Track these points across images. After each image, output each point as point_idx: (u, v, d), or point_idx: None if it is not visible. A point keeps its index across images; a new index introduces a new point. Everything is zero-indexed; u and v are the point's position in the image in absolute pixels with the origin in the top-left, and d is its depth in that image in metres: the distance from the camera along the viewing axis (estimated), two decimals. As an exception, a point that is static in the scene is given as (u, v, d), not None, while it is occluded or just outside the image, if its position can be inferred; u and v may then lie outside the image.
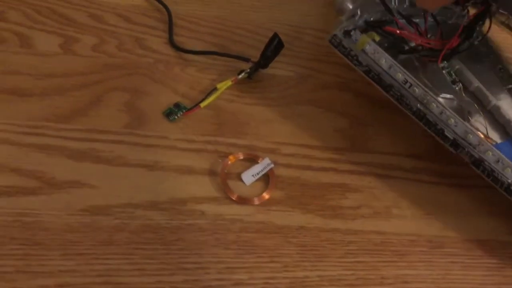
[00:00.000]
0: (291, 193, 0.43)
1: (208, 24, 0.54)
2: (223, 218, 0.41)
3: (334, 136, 0.48)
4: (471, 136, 0.42)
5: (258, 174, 0.44)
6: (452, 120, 0.42)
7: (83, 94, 0.46)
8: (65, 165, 0.41)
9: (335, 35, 0.45)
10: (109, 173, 0.42)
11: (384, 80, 0.44)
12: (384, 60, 0.44)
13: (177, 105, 0.47)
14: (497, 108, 0.48)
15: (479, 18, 0.48)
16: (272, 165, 0.44)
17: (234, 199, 0.42)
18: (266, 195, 0.43)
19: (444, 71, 0.50)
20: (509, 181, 0.41)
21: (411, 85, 0.44)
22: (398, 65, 0.44)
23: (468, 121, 0.46)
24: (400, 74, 0.44)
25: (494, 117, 0.48)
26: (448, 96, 0.47)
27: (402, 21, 0.48)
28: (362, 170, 0.46)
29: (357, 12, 0.47)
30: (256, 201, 0.42)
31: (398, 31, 0.47)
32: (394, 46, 0.48)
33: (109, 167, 0.42)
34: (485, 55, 0.52)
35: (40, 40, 0.49)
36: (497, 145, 0.44)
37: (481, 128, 0.46)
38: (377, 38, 0.47)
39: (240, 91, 0.49)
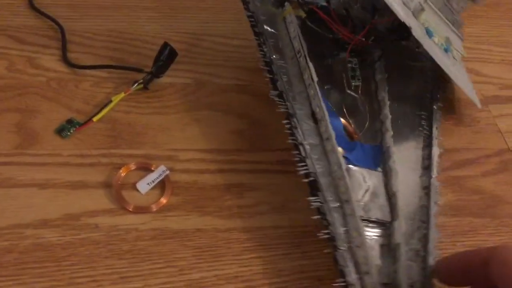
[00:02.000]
0: (188, 197, 0.44)
1: (103, 38, 0.54)
2: (118, 228, 0.41)
3: (232, 138, 0.48)
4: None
5: (153, 181, 0.44)
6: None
7: (-29, 118, 0.45)
8: (-51, 192, 0.41)
9: None
10: (-2, 196, 0.41)
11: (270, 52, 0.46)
12: (293, 29, 0.47)
13: (70, 121, 0.46)
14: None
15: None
16: (168, 172, 0.44)
17: (130, 209, 0.42)
18: (163, 200, 0.43)
19: (349, 64, 0.51)
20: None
21: (302, 55, 0.45)
22: (301, 36, 0.46)
23: (344, 115, 0.48)
24: (297, 44, 0.46)
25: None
26: (328, 86, 0.48)
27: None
28: (261, 168, 0.47)
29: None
30: (154, 208, 0.42)
31: (321, 14, 0.48)
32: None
33: (-1, 189, 0.41)
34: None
35: None
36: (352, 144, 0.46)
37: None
38: (303, 15, 0.49)
39: (137, 102, 0.49)
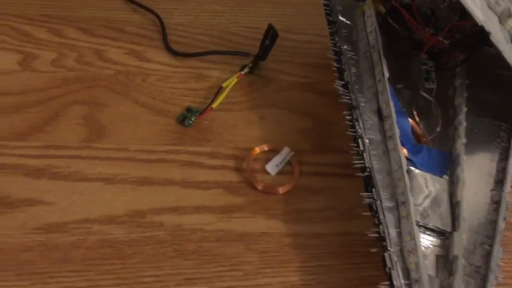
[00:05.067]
0: (253, 198, 0.43)
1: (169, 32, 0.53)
2: (183, 228, 0.40)
3: (297, 137, 0.47)
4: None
5: (281, 163, 0.44)
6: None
7: (41, 110, 0.46)
8: (20, 184, 0.41)
9: None
10: (65, 189, 0.41)
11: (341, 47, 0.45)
12: (371, 23, 0.45)
13: (189, 109, 0.47)
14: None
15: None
16: (292, 153, 0.45)
17: (259, 188, 0.43)
18: (292, 182, 0.43)
19: (424, 67, 0.49)
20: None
21: (376, 50, 0.44)
22: (378, 32, 0.45)
23: (411, 114, 0.45)
24: (373, 38, 0.45)
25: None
26: (400, 85, 0.46)
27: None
28: (327, 171, 0.45)
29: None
30: (281, 190, 0.43)
31: (402, 11, 0.46)
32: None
33: (66, 182, 0.41)
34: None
35: (-1, 59, 0.49)
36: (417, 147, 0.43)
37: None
38: (383, 11, 0.47)
39: (203, 98, 0.48)
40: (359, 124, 0.41)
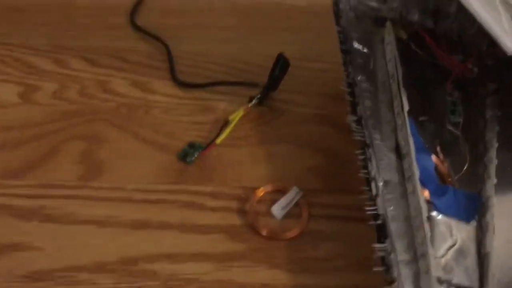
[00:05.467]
0: (257, 245, 0.39)
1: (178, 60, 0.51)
2: (177, 278, 0.37)
3: (308, 176, 0.43)
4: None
5: (288, 205, 0.41)
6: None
7: (39, 145, 0.44)
8: (9, 226, 0.39)
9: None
10: (56, 232, 0.39)
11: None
12: (390, 51, 0.42)
13: (192, 145, 0.44)
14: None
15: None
16: (301, 193, 0.41)
17: (263, 234, 0.39)
18: (300, 227, 0.40)
19: (449, 98, 0.44)
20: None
21: (395, 80, 0.40)
22: (398, 60, 0.41)
23: (435, 151, 0.41)
24: (392, 67, 0.41)
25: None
26: (423, 118, 0.42)
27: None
28: (339, 214, 0.41)
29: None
30: (288, 235, 0.39)
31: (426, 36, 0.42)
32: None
33: (57, 225, 0.39)
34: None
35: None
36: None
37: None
38: (404, 37, 0.44)
39: (207, 131, 0.45)
40: (372, 165, 0.37)
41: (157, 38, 0.51)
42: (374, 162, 0.37)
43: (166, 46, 0.51)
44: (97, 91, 0.48)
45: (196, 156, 0.43)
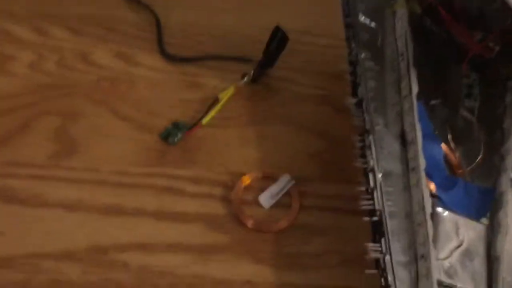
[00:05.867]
0: (239, 237, 0.35)
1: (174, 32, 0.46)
2: (150, 270, 0.34)
3: (304, 162, 0.39)
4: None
5: (278, 194, 0.37)
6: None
7: (9, 120, 0.40)
8: (-31, 207, 0.36)
9: None
10: (20, 216, 0.35)
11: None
12: (401, 26, 0.37)
13: (176, 124, 0.40)
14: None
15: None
16: (293, 182, 0.37)
17: (249, 226, 0.35)
18: (289, 218, 0.36)
19: (465, 80, 0.40)
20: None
21: (404, 59, 0.35)
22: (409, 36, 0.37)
23: (446, 138, 0.37)
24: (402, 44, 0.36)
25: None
26: (435, 102, 0.38)
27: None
28: (335, 205, 0.37)
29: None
30: (275, 228, 0.36)
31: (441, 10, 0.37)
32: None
33: (22, 208, 0.36)
34: None
35: (-27, 60, 0.44)
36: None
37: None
38: (418, 11, 0.39)
39: (194, 111, 0.41)
40: (371, 153, 0.33)
41: (146, 7, 0.47)
42: (373, 150, 0.33)
43: (155, 15, 0.46)
44: (78, 62, 0.44)
45: (179, 136, 0.39)
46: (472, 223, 0.33)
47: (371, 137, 0.33)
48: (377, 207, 0.31)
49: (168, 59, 0.44)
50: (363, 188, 0.32)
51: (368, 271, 0.29)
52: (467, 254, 0.32)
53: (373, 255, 0.30)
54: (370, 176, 0.32)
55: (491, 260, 0.32)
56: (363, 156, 0.33)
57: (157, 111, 0.41)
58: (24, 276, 0.33)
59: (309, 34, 0.46)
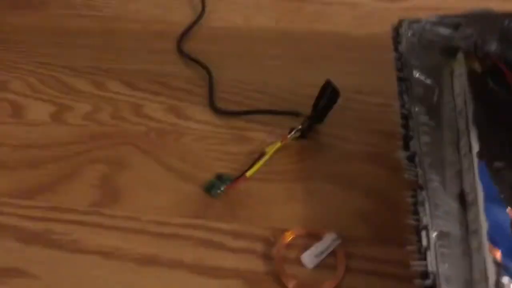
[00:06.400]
0: (280, 298, 0.33)
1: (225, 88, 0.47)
2: (181, 328, 0.32)
3: (352, 222, 0.36)
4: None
5: (322, 253, 0.34)
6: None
7: (58, 167, 0.41)
8: (10, 249, 0.35)
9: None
10: (57, 260, 0.35)
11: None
12: (460, 84, 0.36)
13: (220, 177, 0.39)
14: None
15: None
16: (339, 241, 0.35)
17: (290, 286, 0.33)
18: (334, 281, 0.33)
19: None
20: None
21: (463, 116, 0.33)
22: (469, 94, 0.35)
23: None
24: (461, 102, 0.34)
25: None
26: (500, 165, 0.34)
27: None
28: (381, 269, 0.34)
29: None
30: None
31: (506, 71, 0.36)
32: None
33: (60, 253, 0.35)
34: None
35: (33, 110, 0.46)
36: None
37: None
38: (479, 70, 0.37)
39: (239, 164, 0.40)
40: (424, 210, 0.30)
41: (200, 64, 0.48)
42: (427, 207, 0.30)
43: (208, 71, 0.47)
44: (130, 114, 0.45)
45: (222, 189, 0.38)
46: (544, 298, 0.29)
47: (424, 193, 0.31)
48: (430, 269, 0.28)
49: (217, 113, 0.44)
50: (413, 248, 0.29)
51: None
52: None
53: None
54: (423, 234, 0.29)
55: None
56: (415, 213, 0.30)
57: (202, 163, 0.40)
58: (52, 324, 0.32)
59: (361, 92, 0.45)
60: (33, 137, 0.43)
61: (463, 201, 0.32)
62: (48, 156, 0.41)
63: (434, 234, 0.29)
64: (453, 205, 0.32)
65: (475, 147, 0.33)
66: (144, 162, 0.41)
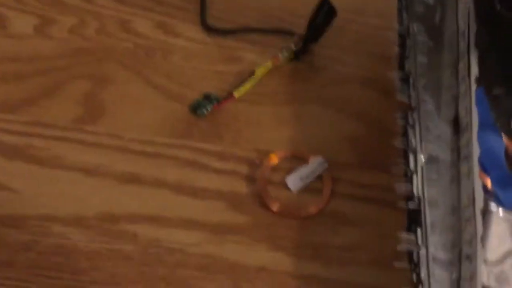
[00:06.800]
0: (260, 220, 0.32)
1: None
2: (160, 245, 0.31)
3: (341, 146, 0.35)
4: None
5: (308, 177, 0.33)
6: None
7: (42, 81, 0.39)
8: (-11, 163, 0.35)
9: None
10: (38, 175, 0.34)
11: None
12: (464, 4, 0.33)
13: (207, 96, 0.38)
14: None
15: None
16: (326, 165, 0.34)
17: (274, 210, 0.32)
18: (319, 205, 0.32)
19: None
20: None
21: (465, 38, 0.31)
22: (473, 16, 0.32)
23: (510, 131, 0.32)
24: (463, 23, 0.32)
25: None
26: (499, 91, 0.33)
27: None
28: (368, 194, 0.33)
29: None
30: (304, 213, 0.32)
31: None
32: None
33: (41, 168, 0.34)
34: None
35: (16, 22, 0.43)
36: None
37: None
38: None
39: (228, 83, 0.39)
40: (414, 133, 0.29)
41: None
42: (417, 129, 0.29)
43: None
44: (117, 29, 0.42)
45: (209, 109, 0.37)
46: (534, 228, 0.28)
47: (415, 115, 0.29)
48: (415, 192, 0.27)
49: (208, 31, 0.42)
50: (400, 172, 0.28)
51: (398, 264, 0.25)
52: (523, 262, 0.27)
53: (406, 246, 0.26)
54: (411, 157, 0.28)
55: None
56: (405, 136, 0.29)
57: (190, 82, 0.39)
58: (31, 238, 0.31)
59: (361, 14, 0.42)
60: (16, 50, 0.41)
61: (457, 126, 0.31)
62: (31, 70, 0.40)
63: (422, 157, 0.28)
64: (446, 130, 0.31)
65: (474, 71, 0.31)
66: (129, 80, 0.39)
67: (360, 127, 0.36)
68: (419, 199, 0.27)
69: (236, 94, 0.37)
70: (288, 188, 0.33)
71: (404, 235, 0.26)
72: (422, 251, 0.26)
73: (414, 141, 0.28)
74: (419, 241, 0.26)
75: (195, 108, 0.37)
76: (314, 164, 0.34)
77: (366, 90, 0.38)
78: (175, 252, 0.31)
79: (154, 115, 0.37)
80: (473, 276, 0.25)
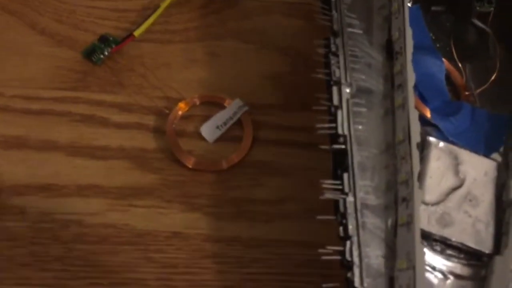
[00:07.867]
0: (172, 177, 0.28)
1: None
2: (52, 218, 0.26)
3: (263, 86, 0.31)
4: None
5: (225, 124, 0.29)
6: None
7: None
8: None
9: None
10: None
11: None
12: None
13: (104, 39, 0.32)
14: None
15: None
16: (246, 108, 0.29)
17: (190, 166, 0.28)
18: (241, 153, 0.28)
19: None
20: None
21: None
22: None
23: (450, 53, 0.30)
24: None
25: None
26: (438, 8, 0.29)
27: None
28: (295, 139, 0.29)
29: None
30: (225, 165, 0.28)
31: None
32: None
33: None
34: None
35: None
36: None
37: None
38: None
39: (130, 22, 0.33)
40: (337, 62, 0.25)
41: None
42: (341, 57, 0.25)
43: None
44: (-7, -34, 0.36)
45: (107, 53, 0.31)
46: (479, 159, 0.25)
47: (339, 41, 0.25)
48: (340, 131, 0.23)
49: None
50: (323, 109, 0.24)
51: (320, 217, 0.21)
52: (469, 199, 0.24)
53: (330, 195, 0.22)
54: (334, 90, 0.24)
55: (502, 207, 0.24)
56: (327, 65, 0.25)
57: (83, 24, 0.33)
58: None
59: None
60: None
61: (390, 51, 0.26)
62: None
63: (347, 91, 0.24)
64: (378, 57, 0.26)
65: None
66: (9, 25, 0.33)
67: (284, 63, 0.31)
68: (344, 138, 0.23)
69: (137, 32, 0.31)
70: (203, 139, 0.28)
71: (327, 182, 0.22)
72: (350, 199, 0.22)
73: (338, 71, 0.24)
74: (346, 189, 0.22)
75: (90, 54, 0.31)
76: (232, 108, 0.29)
77: (291, 20, 0.33)
78: (71, 225, 0.26)
79: (40, 66, 0.31)
80: (410, 220, 0.22)
